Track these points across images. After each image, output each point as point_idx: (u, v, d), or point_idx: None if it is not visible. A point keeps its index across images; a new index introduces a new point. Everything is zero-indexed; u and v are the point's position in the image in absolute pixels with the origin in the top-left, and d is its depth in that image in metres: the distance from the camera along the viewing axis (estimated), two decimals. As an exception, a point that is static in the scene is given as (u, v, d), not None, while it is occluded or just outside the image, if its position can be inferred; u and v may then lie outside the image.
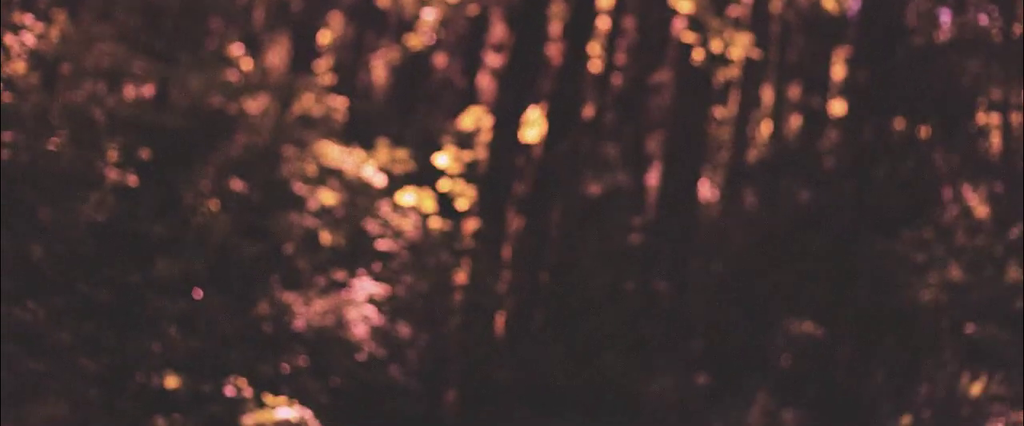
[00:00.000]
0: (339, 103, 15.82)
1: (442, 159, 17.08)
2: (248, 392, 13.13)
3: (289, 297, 14.23)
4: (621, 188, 19.33)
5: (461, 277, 16.24)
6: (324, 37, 23.98)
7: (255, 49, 22.57)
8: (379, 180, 15.68)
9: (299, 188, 14.89)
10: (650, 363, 15.82)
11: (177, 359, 12.95)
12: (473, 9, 19.54)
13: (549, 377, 15.78)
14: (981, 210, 17.32)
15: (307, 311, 14.23)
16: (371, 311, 14.72)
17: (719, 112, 21.23)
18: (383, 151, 16.37)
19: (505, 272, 16.57)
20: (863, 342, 16.34)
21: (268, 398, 13.14)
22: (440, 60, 25.44)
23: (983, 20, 18.68)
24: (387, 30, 25.80)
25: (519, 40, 16.71)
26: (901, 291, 16.72)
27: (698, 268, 17.78)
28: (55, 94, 13.10)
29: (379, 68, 25.78)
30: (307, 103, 15.31)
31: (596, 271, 17.66)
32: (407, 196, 16.23)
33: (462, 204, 16.89)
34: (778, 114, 20.88)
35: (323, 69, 20.53)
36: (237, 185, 14.23)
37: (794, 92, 21.82)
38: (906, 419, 14.99)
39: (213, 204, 13.91)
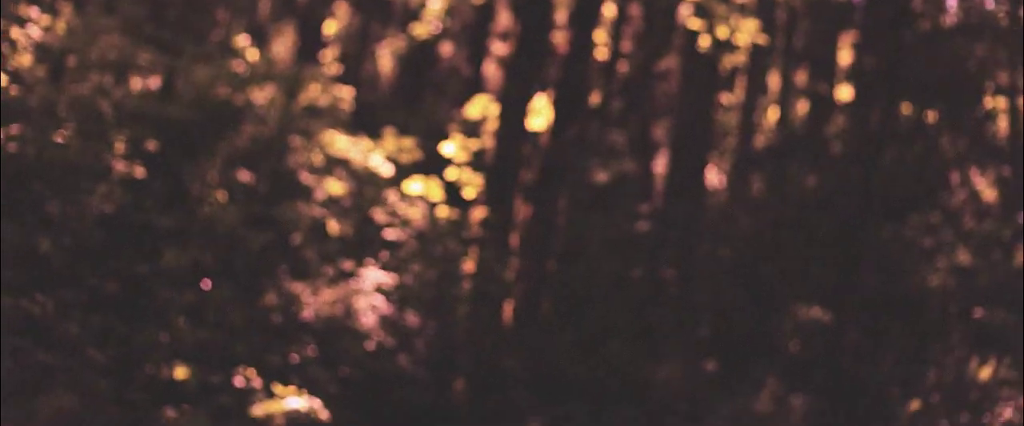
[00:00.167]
0: (345, 93, 15.82)
1: (449, 148, 17.08)
2: (257, 382, 13.15)
3: (297, 287, 14.25)
4: (628, 175, 19.34)
5: (469, 265, 16.25)
6: (330, 27, 23.98)
7: (261, 40, 22.58)
8: (386, 169, 15.68)
9: (306, 178, 14.90)
10: (658, 350, 15.84)
11: (186, 350, 12.98)
12: (478, -3, 19.55)
13: (557, 365, 15.79)
14: (989, 194, 17.32)
15: (315, 301, 14.25)
16: (379, 300, 14.73)
17: (726, 98, 21.23)
18: (390, 140, 16.37)
19: (512, 260, 16.58)
20: (871, 327, 16.35)
21: (277, 388, 13.17)
22: (446, 49, 25.44)
23: (989, 4, 18.66)
24: (392, 19, 25.80)
25: (525, 28, 16.70)
26: (909, 276, 16.72)
27: (705, 255, 17.78)
28: (61, 86, 13.12)
29: (385, 57, 25.78)
30: (313, 93, 15.31)
31: (603, 258, 17.67)
32: (414, 185, 16.23)
33: (469, 193, 16.90)
34: (785, 100, 20.86)
35: (329, 59, 20.55)
36: (244, 176, 14.24)
37: (801, 78, 21.80)
38: (915, 404, 15.00)
39: (220, 195, 13.92)
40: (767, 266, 17.43)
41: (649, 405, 15.22)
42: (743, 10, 17.11)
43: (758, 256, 17.68)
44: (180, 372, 12.96)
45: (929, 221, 16.97)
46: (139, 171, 13.37)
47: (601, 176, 19.26)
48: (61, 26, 13.45)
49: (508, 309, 16.36)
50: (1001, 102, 18.04)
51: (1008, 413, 14.18)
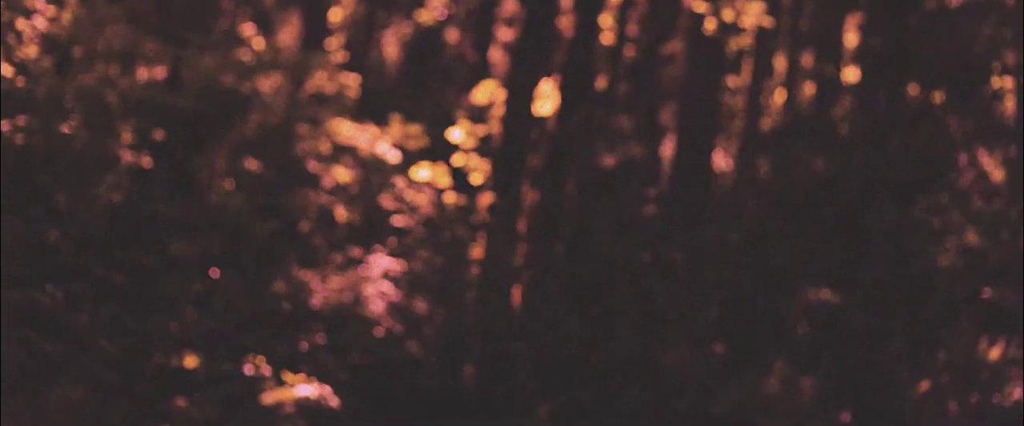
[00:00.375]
0: (351, 80, 15.83)
1: (456, 134, 17.09)
2: (267, 370, 13.20)
3: (305, 275, 14.29)
4: (635, 159, 19.32)
5: (477, 251, 16.27)
6: (335, 15, 23.98)
7: (266, 28, 22.58)
8: (393, 156, 15.70)
9: (313, 166, 14.92)
10: (666, 334, 15.83)
11: (194, 339, 13.02)
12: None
13: (566, 350, 15.80)
14: (997, 174, 17.29)
15: (324, 288, 14.28)
16: (388, 287, 14.77)
17: (732, 81, 21.20)
18: (396, 127, 16.39)
19: (520, 245, 16.59)
20: (880, 309, 16.34)
21: (287, 376, 13.21)
22: (452, 35, 25.42)
23: (996, -16, 18.61)
24: (398, 6, 25.78)
25: (530, 13, 16.69)
26: (917, 257, 16.70)
27: (713, 238, 17.77)
28: (68, 77, 13.13)
29: (391, 44, 25.77)
30: (319, 81, 15.33)
31: (611, 243, 17.67)
32: (421, 171, 16.25)
33: (476, 178, 16.91)
34: (791, 82, 20.81)
35: (335, 47, 20.55)
36: (251, 164, 14.26)
37: (807, 60, 21.76)
38: (924, 385, 14.99)
39: (227, 184, 13.94)
40: (775, 249, 17.42)
41: (658, 389, 15.22)
42: (748, -8, 17.09)
43: (766, 239, 17.67)
44: (189, 361, 13.00)
45: (937, 202, 16.95)
46: (146, 161, 13.39)
47: (608, 160, 19.24)
48: (66, 17, 13.46)
49: (516, 295, 16.37)
50: (1008, 82, 18.00)
51: (1018, 393, 14.19)
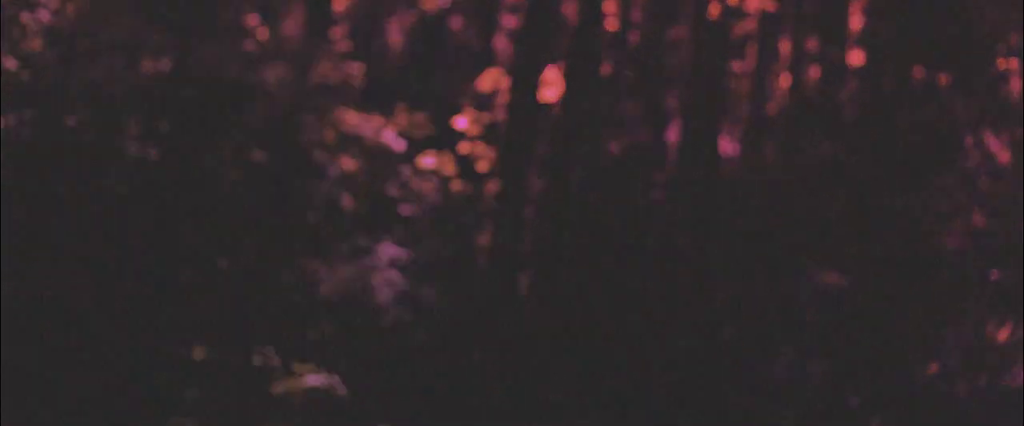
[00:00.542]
0: (356, 69, 15.83)
1: (461, 122, 17.09)
2: (276, 360, 13.21)
3: (313, 264, 14.30)
4: (641, 145, 19.29)
5: (483, 238, 16.28)
6: (339, 4, 23.95)
7: (271, 18, 22.53)
8: (399, 145, 15.71)
9: (319, 156, 14.93)
10: (675, 319, 15.84)
11: (204, 330, 13.03)
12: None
13: (574, 336, 15.81)
14: (1003, 156, 17.25)
15: (332, 278, 14.30)
16: (395, 276, 14.78)
17: (737, 66, 21.17)
18: (402, 115, 16.39)
19: (527, 232, 16.60)
20: (888, 291, 16.33)
21: (296, 366, 13.22)
22: (456, 22, 25.39)
23: (1000, -35, 18.55)
24: (402, -6, 25.73)
25: (534, 0, 16.68)
26: (925, 239, 16.68)
27: (720, 222, 17.76)
28: (73, 70, 13.13)
29: (395, 33, 25.74)
30: (324, 71, 15.33)
31: (618, 229, 17.67)
32: (428, 160, 16.26)
33: (482, 166, 16.92)
34: (796, 66, 20.78)
35: (339, 36, 20.51)
36: (258, 155, 14.27)
37: (812, 43, 21.72)
38: (933, 367, 14.98)
39: (234, 175, 13.95)
40: (782, 232, 17.41)
41: (668, 374, 15.23)
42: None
43: (773, 222, 17.66)
44: (198, 352, 13.02)
45: (944, 184, 16.92)
46: (152, 153, 13.40)
47: (614, 146, 19.21)
48: (70, 9, 13.45)
49: (524, 281, 16.38)
50: (1014, 63, 17.96)
51: (1027, 375, 14.19)
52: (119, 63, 13.65)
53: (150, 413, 12.46)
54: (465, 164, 16.78)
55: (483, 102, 17.44)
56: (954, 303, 15.58)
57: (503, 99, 17.01)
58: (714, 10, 17.25)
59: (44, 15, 13.01)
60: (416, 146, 16.21)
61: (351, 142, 15.25)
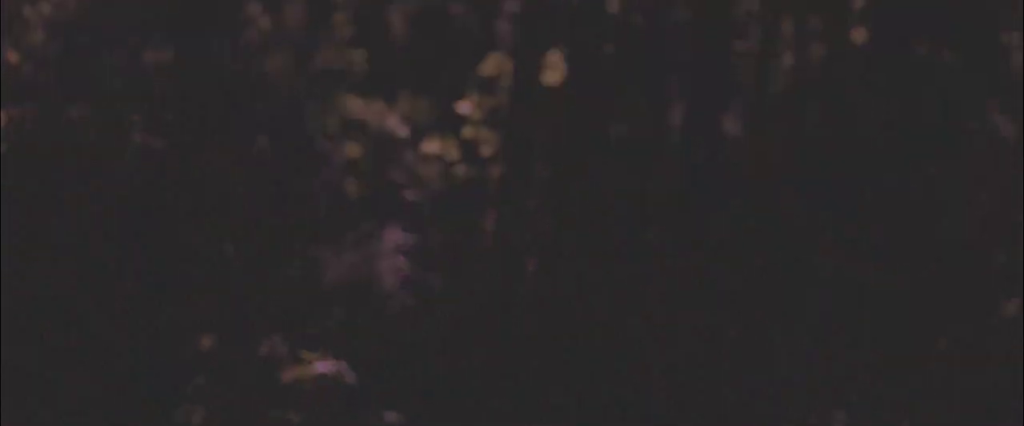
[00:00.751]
0: (359, 56, 15.82)
1: (464, 107, 17.09)
2: (284, 349, 13.23)
3: (319, 252, 14.32)
4: (645, 128, 19.27)
5: (489, 223, 16.29)
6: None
7: (273, 6, 22.52)
8: (403, 131, 15.72)
9: (323, 143, 14.94)
10: (681, 302, 15.83)
11: (210, 320, 13.05)
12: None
13: (581, 321, 15.80)
14: (1009, 131, 17.25)
15: (338, 265, 14.32)
16: (401, 261, 14.81)
17: (740, 46, 21.13)
18: (405, 102, 16.40)
19: (532, 217, 16.60)
20: (895, 271, 16.33)
21: (304, 354, 13.24)
22: (457, 8, 25.35)
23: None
24: (404, -21, 25.69)
25: (536, -16, 16.66)
26: (931, 217, 16.69)
27: (726, 205, 17.74)
28: (75, 63, 13.14)
29: (397, 19, 25.71)
30: (327, 58, 15.33)
31: (623, 212, 17.66)
32: (431, 145, 16.27)
33: (486, 151, 16.92)
34: (800, 45, 20.73)
35: (341, 23, 20.49)
36: (261, 144, 14.28)
37: (815, 22, 21.67)
38: (943, 342, 15.00)
39: (238, 164, 13.96)
40: (788, 213, 17.40)
41: (675, 358, 15.22)
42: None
43: (778, 203, 17.65)
44: (205, 342, 13.03)
45: (950, 160, 16.92)
46: (156, 144, 13.41)
47: (618, 129, 19.20)
48: (72, 2, 13.46)
49: (531, 265, 16.38)
50: (1016, 38, 17.94)
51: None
52: (121, 55, 13.66)
53: (157, 403, 12.49)
54: (469, 149, 16.78)
55: (486, 87, 17.42)
56: (961, 282, 15.59)
57: (506, 83, 17.00)
58: (716, -10, 17.21)
59: (45, 8, 13.02)
60: (419, 132, 16.22)
61: (355, 129, 15.26)
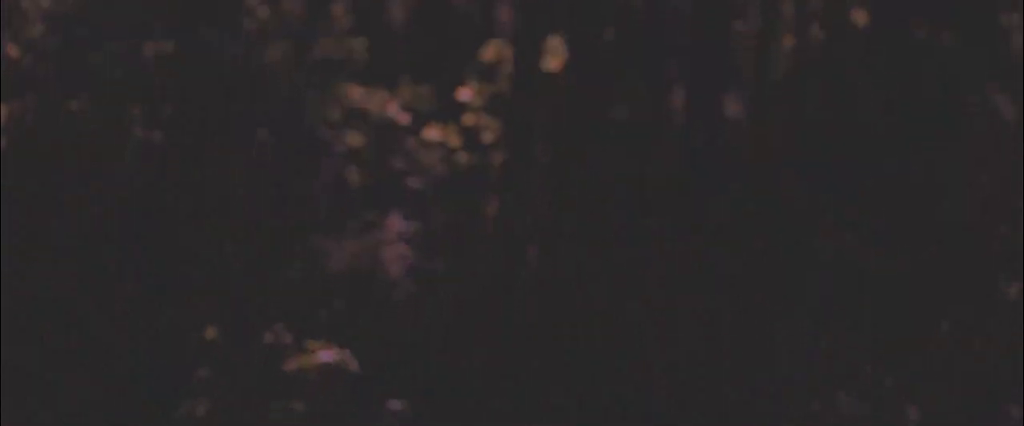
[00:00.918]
0: (359, 44, 15.81)
1: (465, 93, 17.09)
2: (288, 338, 13.27)
3: (322, 241, 14.34)
4: (646, 111, 19.28)
5: (491, 209, 16.31)
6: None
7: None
8: (404, 118, 15.72)
9: (325, 132, 14.95)
10: (685, 286, 15.85)
11: (215, 310, 13.09)
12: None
13: (584, 305, 15.83)
14: (1009, 111, 17.25)
15: (341, 253, 14.35)
16: (404, 249, 14.83)
17: (740, 28, 21.11)
18: (406, 89, 16.39)
19: (535, 202, 16.61)
20: (897, 252, 16.34)
21: (308, 342, 13.28)
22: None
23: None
24: (403, -34, 25.65)
25: (535, -31, 16.66)
26: (932, 198, 16.69)
27: (729, 186, 17.75)
28: (75, 56, 13.15)
29: (397, 6, 25.69)
30: (327, 47, 15.32)
31: (625, 196, 17.68)
32: (433, 132, 16.27)
33: (488, 137, 16.92)
34: (800, 27, 20.72)
35: (341, 12, 20.47)
36: (263, 134, 14.30)
37: (815, 3, 21.66)
38: (945, 325, 15.01)
39: (239, 154, 13.98)
40: (789, 196, 17.41)
41: (680, 339, 15.25)
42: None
43: (780, 186, 17.66)
44: (210, 332, 13.07)
45: (950, 141, 16.92)
46: (157, 136, 13.43)
47: (619, 113, 19.21)
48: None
49: (533, 251, 16.40)
50: (1016, 20, 17.93)
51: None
52: (121, 47, 13.66)
53: (162, 394, 12.52)
54: (470, 136, 16.78)
55: (486, 73, 17.42)
56: (964, 262, 15.60)
57: (506, 69, 17.00)
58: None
59: (45, 1, 13.03)
60: (421, 119, 16.21)
61: (356, 117, 15.27)
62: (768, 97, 19.39)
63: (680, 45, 19.91)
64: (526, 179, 16.52)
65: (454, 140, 16.38)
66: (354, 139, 15.10)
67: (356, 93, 15.27)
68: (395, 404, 13.74)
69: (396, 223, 15.07)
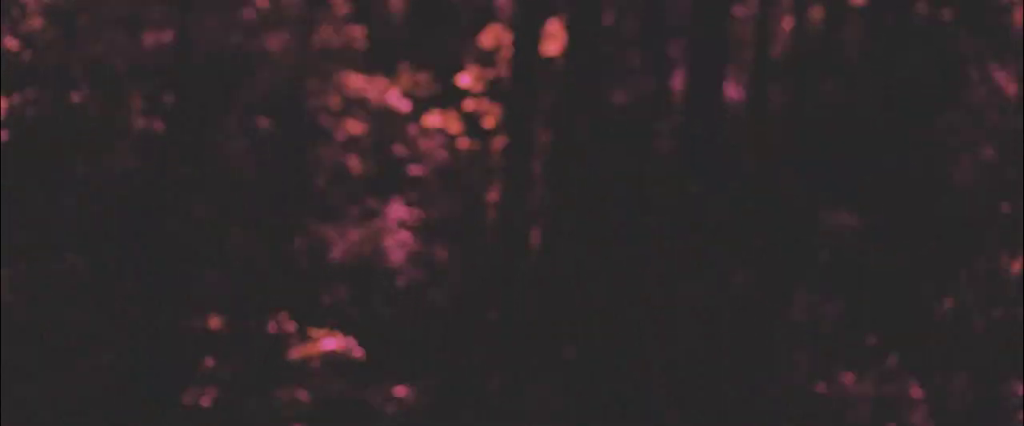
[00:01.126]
0: (358, 32, 15.80)
1: (465, 79, 17.09)
2: (291, 326, 13.29)
3: (324, 229, 14.35)
4: (646, 94, 19.29)
5: (492, 195, 16.31)
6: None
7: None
8: (404, 105, 15.71)
9: (325, 120, 14.94)
10: (687, 266, 15.85)
11: (218, 300, 13.10)
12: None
13: (587, 289, 15.84)
14: (1010, 89, 17.22)
15: (343, 241, 14.35)
16: (406, 236, 14.84)
17: (739, 10, 21.11)
18: (405, 76, 16.38)
19: (536, 187, 16.62)
20: (900, 229, 16.34)
21: (312, 331, 13.30)
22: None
23: None
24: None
25: (533, -46, 16.63)
26: (935, 175, 16.69)
27: (729, 168, 17.76)
28: (75, 47, 13.14)
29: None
30: (326, 35, 15.31)
31: (627, 179, 17.69)
32: (433, 119, 16.27)
33: (488, 122, 16.92)
34: (799, 8, 20.71)
35: (339, 0, 20.46)
36: (264, 123, 14.29)
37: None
38: (948, 302, 15.01)
39: (241, 143, 13.98)
40: (791, 175, 17.41)
41: (683, 321, 15.26)
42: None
43: (782, 166, 17.66)
44: (214, 321, 13.09)
45: (952, 119, 16.90)
46: (158, 125, 13.43)
47: (619, 97, 19.22)
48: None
49: (535, 236, 16.41)
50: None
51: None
52: (120, 38, 13.65)
53: (168, 384, 12.55)
54: (471, 121, 16.79)
55: (486, 58, 17.42)
56: (966, 238, 15.60)
57: (506, 54, 16.99)
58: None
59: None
60: (421, 106, 16.21)
61: (356, 105, 15.25)
62: (769, 78, 19.38)
63: (680, 28, 19.91)
64: (527, 163, 16.52)
65: (455, 126, 16.38)
66: (354, 127, 15.09)
67: (356, 81, 15.26)
68: (400, 390, 13.76)
69: (398, 210, 15.07)
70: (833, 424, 14.27)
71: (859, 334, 15.23)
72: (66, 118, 12.70)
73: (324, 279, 14.16)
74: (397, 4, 24.87)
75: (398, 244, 14.78)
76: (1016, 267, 14.76)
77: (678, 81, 19.42)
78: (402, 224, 14.94)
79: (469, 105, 16.92)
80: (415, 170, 15.67)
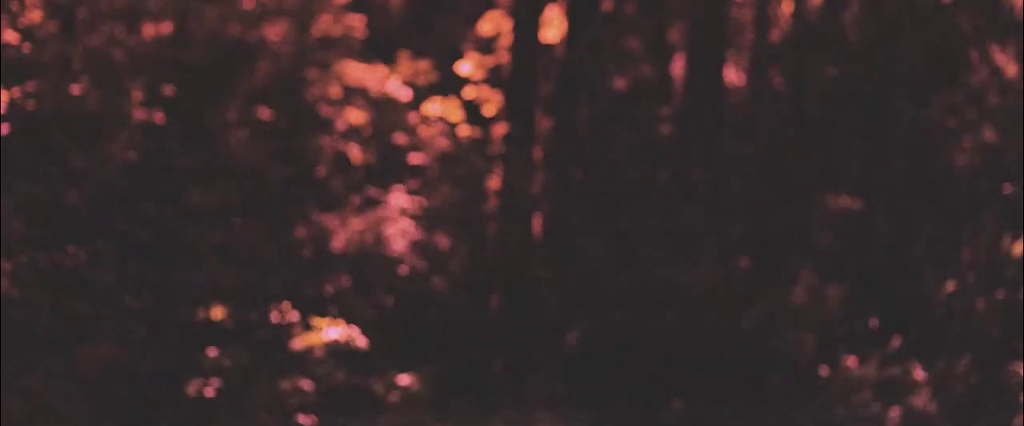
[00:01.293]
0: (357, 21, 15.79)
1: (465, 67, 17.09)
2: (294, 316, 13.31)
3: (326, 218, 14.36)
4: (646, 79, 19.28)
5: (494, 182, 16.32)
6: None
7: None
8: (404, 94, 15.71)
9: (325, 109, 14.95)
10: (690, 251, 15.87)
11: (220, 290, 13.12)
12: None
13: (590, 274, 15.86)
14: (1011, 69, 17.21)
15: (345, 230, 14.37)
16: (408, 225, 14.85)
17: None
18: (405, 64, 16.37)
19: (537, 173, 16.63)
20: (902, 211, 16.35)
21: (314, 320, 13.32)
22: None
23: None
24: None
25: (531, -60, 16.63)
26: (936, 157, 16.69)
27: (730, 153, 17.75)
28: (74, 39, 13.16)
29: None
30: (325, 24, 15.30)
31: (628, 164, 17.69)
32: (434, 107, 16.27)
33: (489, 110, 16.92)
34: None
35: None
36: (263, 112, 14.30)
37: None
38: (950, 284, 15.03)
39: (241, 133, 13.99)
40: (793, 159, 17.41)
41: (684, 307, 15.27)
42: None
43: (783, 150, 17.65)
44: (216, 312, 13.11)
45: (952, 101, 16.90)
46: (158, 116, 13.44)
47: (619, 82, 19.21)
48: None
49: (537, 222, 16.42)
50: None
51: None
52: (120, 30, 13.66)
53: (171, 374, 12.57)
54: (471, 109, 16.78)
55: (485, 46, 17.41)
56: (968, 219, 15.61)
57: (505, 41, 16.99)
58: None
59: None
60: (421, 94, 16.20)
61: (356, 94, 15.26)
62: (769, 61, 19.36)
63: (680, 12, 19.88)
64: (528, 150, 16.53)
65: (455, 114, 16.38)
66: (355, 116, 15.10)
67: (356, 70, 15.26)
68: (403, 378, 13.79)
69: (399, 199, 15.08)
70: (836, 407, 14.28)
71: (861, 317, 15.24)
72: (66, 110, 12.71)
73: (326, 268, 14.18)
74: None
75: (400, 233, 14.79)
76: (1017, 249, 14.77)
77: (678, 66, 19.39)
78: (403, 212, 14.95)
79: (469, 93, 16.91)
80: (416, 158, 15.67)
